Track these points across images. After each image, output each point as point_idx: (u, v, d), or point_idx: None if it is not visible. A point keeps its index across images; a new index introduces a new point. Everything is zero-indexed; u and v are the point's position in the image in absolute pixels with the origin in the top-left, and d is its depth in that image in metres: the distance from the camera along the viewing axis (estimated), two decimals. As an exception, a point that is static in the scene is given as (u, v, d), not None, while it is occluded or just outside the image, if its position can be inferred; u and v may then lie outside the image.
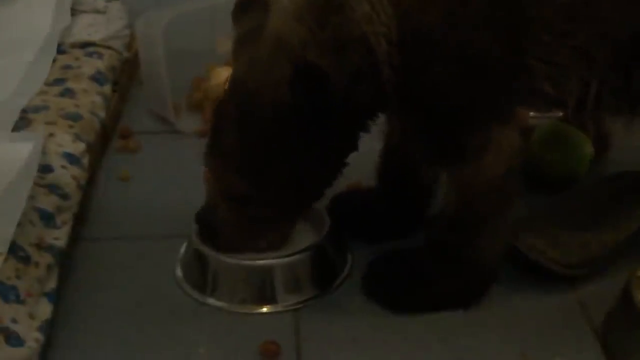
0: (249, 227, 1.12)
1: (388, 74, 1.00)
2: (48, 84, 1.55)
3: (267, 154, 1.03)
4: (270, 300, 1.14)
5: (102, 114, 1.53)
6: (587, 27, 1.03)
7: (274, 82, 0.99)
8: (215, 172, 1.10)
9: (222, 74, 1.68)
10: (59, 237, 1.17)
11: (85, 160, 1.36)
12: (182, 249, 1.23)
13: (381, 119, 1.12)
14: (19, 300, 1.02)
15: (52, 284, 1.10)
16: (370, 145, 1.13)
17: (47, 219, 1.18)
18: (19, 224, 1.10)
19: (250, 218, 1.11)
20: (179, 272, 1.20)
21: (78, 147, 1.36)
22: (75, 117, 1.43)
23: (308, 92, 0.97)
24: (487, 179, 1.06)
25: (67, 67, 1.62)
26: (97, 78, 1.60)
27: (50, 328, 1.06)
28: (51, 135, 1.35)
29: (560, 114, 1.43)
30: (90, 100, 1.52)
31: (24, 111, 1.43)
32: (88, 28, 1.77)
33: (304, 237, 1.19)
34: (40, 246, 1.12)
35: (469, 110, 1.03)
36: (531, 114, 1.50)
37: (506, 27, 1.00)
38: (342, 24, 0.99)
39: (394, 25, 0.98)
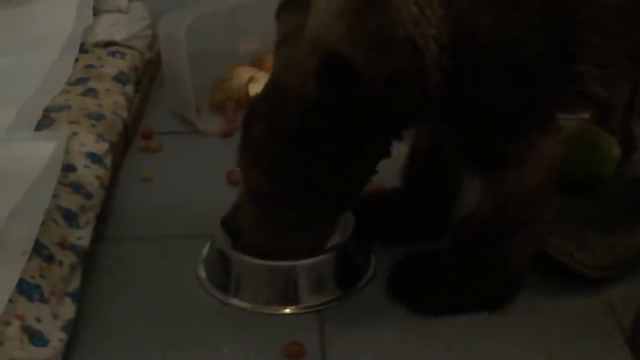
0: (269, 227, 1.10)
1: (436, 77, 0.99)
2: (71, 83, 1.56)
3: (292, 149, 1.02)
4: (293, 301, 1.13)
5: (124, 114, 1.53)
6: (637, 28, 1.02)
7: (302, 75, 0.98)
8: (243, 167, 1.09)
9: (244, 75, 1.68)
10: (82, 236, 1.17)
11: (108, 160, 1.36)
12: (205, 250, 1.23)
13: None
14: (43, 299, 1.02)
15: (75, 284, 1.11)
16: (393, 148, 1.12)
17: (70, 218, 1.18)
18: (43, 223, 1.10)
19: (273, 218, 1.09)
20: (201, 273, 1.20)
21: (101, 147, 1.36)
22: (98, 117, 1.43)
23: (335, 84, 0.95)
24: (525, 187, 1.05)
25: (89, 67, 1.62)
26: (119, 78, 1.61)
27: (73, 328, 1.05)
28: (74, 134, 1.35)
29: (587, 115, 1.42)
30: (113, 100, 1.52)
31: (47, 110, 1.43)
32: (110, 28, 1.78)
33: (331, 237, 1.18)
34: (63, 245, 1.12)
35: (516, 118, 1.02)
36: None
37: (558, 30, 0.99)
38: (385, 24, 0.97)
39: (445, 27, 0.97)
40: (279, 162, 1.03)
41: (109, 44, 1.72)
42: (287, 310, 1.13)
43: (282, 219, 1.09)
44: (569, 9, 0.99)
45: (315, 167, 1.03)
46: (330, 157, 1.02)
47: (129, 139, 1.57)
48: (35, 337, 0.98)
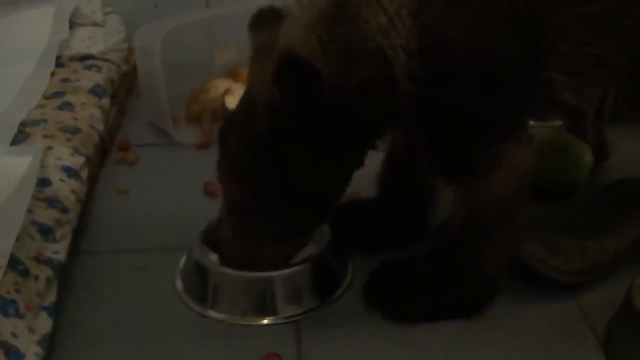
0: (249, 240, 1.11)
1: (406, 85, 0.99)
2: (46, 97, 1.55)
3: (264, 160, 1.02)
4: (271, 311, 1.14)
5: (100, 126, 1.53)
6: (606, 36, 1.03)
7: (267, 85, 0.98)
8: (221, 180, 1.10)
9: (220, 86, 1.69)
10: (58, 250, 1.17)
11: (84, 174, 1.36)
12: (182, 261, 1.23)
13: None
14: (19, 314, 1.02)
15: (51, 298, 1.10)
16: (369, 156, 1.12)
17: (46, 232, 1.17)
18: (18, 238, 1.10)
19: (251, 230, 1.10)
20: (179, 285, 1.20)
21: (77, 161, 1.36)
22: (73, 131, 1.43)
23: (292, 82, 0.94)
24: (497, 195, 1.06)
25: (65, 80, 1.62)
26: (95, 91, 1.60)
27: (49, 342, 1.05)
28: (50, 148, 1.35)
29: (560, 122, 1.43)
30: (89, 113, 1.52)
31: (23, 124, 1.43)
32: (86, 41, 1.78)
33: (305, 247, 1.18)
34: (39, 260, 1.12)
35: (486, 124, 1.03)
36: (531, 122, 1.51)
37: (527, 38, 1.00)
38: (355, 35, 0.98)
39: (414, 36, 0.98)
40: (252, 173, 1.04)
41: (85, 57, 1.72)
42: (265, 321, 1.13)
43: (259, 231, 1.09)
44: (538, 17, 1.00)
45: (289, 178, 1.03)
46: (303, 168, 1.03)
47: (105, 151, 1.57)
48: (12, 352, 0.97)
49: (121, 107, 1.75)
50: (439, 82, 0.99)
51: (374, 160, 1.23)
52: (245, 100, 1.06)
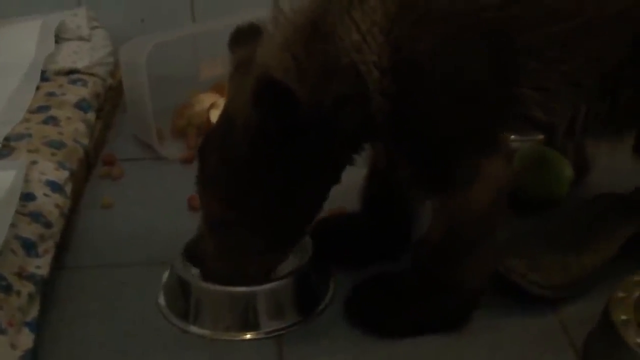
0: (230, 256, 1.11)
1: (379, 102, 1.01)
2: (31, 111, 1.55)
3: (241, 179, 1.03)
4: (253, 326, 1.14)
5: (85, 141, 1.53)
6: (575, 54, 1.05)
7: (246, 105, 0.99)
8: (200, 197, 1.11)
9: (205, 101, 1.69)
10: (41, 265, 1.17)
11: (68, 188, 1.36)
12: (165, 276, 1.23)
13: (366, 147, 1.13)
14: (1, 330, 1.02)
15: (33, 313, 1.10)
16: (353, 171, 1.13)
17: (29, 247, 1.18)
18: (1, 253, 1.10)
19: (231, 247, 1.10)
20: (161, 300, 1.20)
21: (61, 175, 1.36)
22: (58, 145, 1.44)
23: (270, 108, 0.96)
24: (473, 208, 1.07)
25: (51, 95, 1.62)
26: (81, 105, 1.61)
27: (32, 358, 1.05)
28: (34, 163, 1.35)
29: (541, 137, 1.44)
30: (74, 128, 1.52)
31: (7, 139, 1.43)
32: (72, 55, 1.78)
33: (287, 262, 1.19)
34: (21, 275, 1.12)
35: (458, 139, 1.04)
36: (512, 137, 1.52)
37: (497, 57, 1.01)
38: (329, 52, 1.00)
39: (386, 53, 0.99)
40: (231, 191, 1.05)
41: (70, 71, 1.72)
42: (247, 336, 1.13)
43: (239, 246, 1.10)
44: (508, 35, 1.01)
45: (268, 195, 1.04)
46: (282, 185, 1.04)
47: (90, 166, 1.57)
48: (-7, 369, 0.98)
49: (106, 121, 1.75)
50: (410, 98, 1.01)
51: (358, 175, 1.25)
52: (224, 118, 1.07)
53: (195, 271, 1.17)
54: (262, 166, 1.02)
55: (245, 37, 1.10)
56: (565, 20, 1.02)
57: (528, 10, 1.01)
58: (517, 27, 1.01)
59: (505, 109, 1.05)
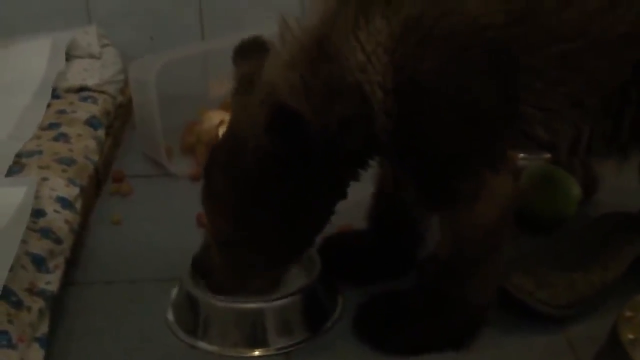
0: (238, 271, 1.12)
1: (383, 121, 1.02)
2: (42, 128, 1.57)
3: (250, 199, 1.04)
4: (261, 343, 1.14)
5: (95, 158, 1.54)
6: (577, 75, 1.05)
7: (256, 126, 1.00)
8: (207, 214, 1.12)
9: (214, 118, 1.70)
10: (51, 281, 1.18)
11: (78, 205, 1.37)
12: (174, 292, 1.24)
13: (372, 163, 1.14)
14: (11, 345, 1.03)
15: (43, 329, 1.11)
16: (361, 188, 1.14)
17: (39, 263, 1.18)
18: (11, 269, 1.11)
19: (239, 263, 1.11)
20: (170, 316, 1.21)
21: (71, 191, 1.37)
22: (68, 162, 1.45)
23: (284, 135, 0.98)
24: (479, 225, 1.07)
25: (61, 112, 1.64)
26: (91, 122, 1.62)
27: (41, 373, 1.06)
28: (45, 179, 1.36)
29: (549, 155, 1.45)
30: (84, 145, 1.53)
31: (18, 156, 1.44)
32: (83, 73, 1.80)
33: (295, 279, 1.20)
34: (32, 291, 1.13)
35: (462, 157, 1.05)
36: (520, 155, 1.53)
37: (500, 76, 1.02)
38: (335, 72, 1.01)
39: (390, 73, 1.00)
40: (239, 211, 1.06)
41: (81, 89, 1.74)
42: (256, 353, 1.14)
43: (245, 262, 1.11)
44: (511, 54, 1.02)
45: (275, 213, 1.05)
46: (289, 203, 1.04)
47: (100, 182, 1.58)
48: (3, 384, 0.98)
49: (116, 138, 1.76)
50: (413, 118, 1.01)
51: (366, 192, 1.26)
52: (230, 136, 1.08)
53: (204, 286, 1.17)
54: (271, 186, 1.03)
55: (249, 51, 1.11)
56: (569, 41, 1.02)
57: (532, 30, 1.02)
58: (520, 47, 1.02)
59: (507, 127, 1.06)
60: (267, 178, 1.02)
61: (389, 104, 1.01)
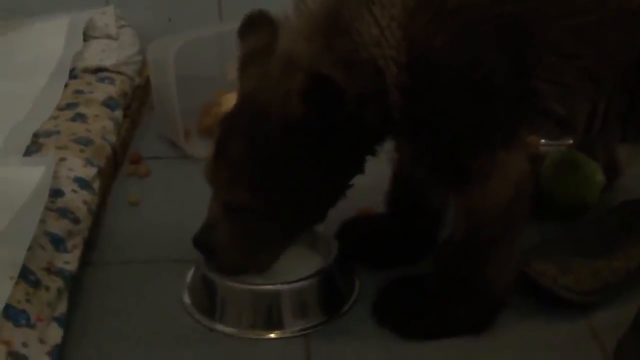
0: (246, 242, 1.11)
1: (396, 96, 1.01)
2: (60, 108, 1.56)
3: (273, 167, 1.03)
4: (278, 325, 1.14)
5: (113, 138, 1.54)
6: (593, 50, 1.03)
7: (283, 95, 0.99)
8: (219, 184, 1.10)
9: (232, 100, 1.67)
10: (69, 261, 1.17)
11: (96, 185, 1.37)
12: (190, 275, 1.23)
13: (390, 145, 1.12)
14: (29, 324, 1.03)
15: (62, 309, 1.10)
16: (380, 171, 1.13)
17: (58, 243, 1.18)
18: (30, 248, 1.10)
19: (249, 232, 1.10)
20: (186, 298, 1.20)
21: (89, 172, 1.37)
22: (86, 142, 1.44)
23: (321, 102, 0.97)
24: (493, 204, 1.06)
25: (79, 92, 1.63)
26: (108, 103, 1.62)
27: (59, 353, 1.05)
28: (62, 159, 1.36)
29: (571, 141, 1.43)
30: (102, 125, 1.53)
31: (36, 135, 1.44)
32: (100, 54, 1.79)
33: (312, 262, 1.19)
34: (50, 270, 1.12)
35: (474, 134, 1.03)
36: (542, 141, 1.51)
37: (513, 50, 1.01)
38: (348, 46, 1.00)
39: (403, 48, 0.99)
40: (260, 179, 1.05)
41: (98, 69, 1.73)
42: (272, 335, 1.13)
43: (258, 233, 1.10)
44: (525, 28, 1.00)
45: (295, 183, 1.04)
46: (310, 173, 1.04)
47: (117, 163, 1.58)
48: (21, 363, 0.98)
49: (134, 119, 1.76)
50: (426, 93, 1.00)
51: (385, 174, 1.24)
52: (248, 105, 1.06)
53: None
54: (296, 157, 1.02)
55: (256, 25, 1.10)
56: (584, 14, 1.01)
57: (546, 3, 1.00)
58: (534, 20, 1.00)
59: (521, 102, 1.04)
60: (292, 145, 1.01)
61: (403, 79, 0.99)
